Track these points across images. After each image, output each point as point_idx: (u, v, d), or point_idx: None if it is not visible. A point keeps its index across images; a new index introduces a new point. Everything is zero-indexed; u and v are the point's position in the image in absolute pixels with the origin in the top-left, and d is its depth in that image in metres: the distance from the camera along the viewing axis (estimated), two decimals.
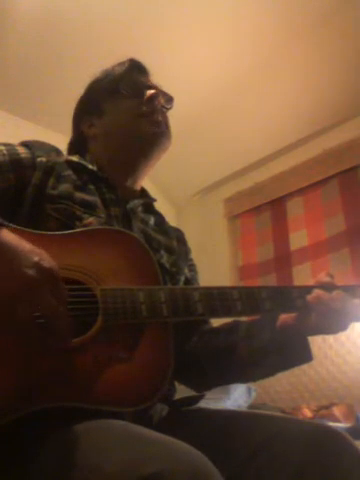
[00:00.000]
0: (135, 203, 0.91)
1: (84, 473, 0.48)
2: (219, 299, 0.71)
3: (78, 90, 1.01)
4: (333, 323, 0.75)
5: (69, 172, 0.85)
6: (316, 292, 0.75)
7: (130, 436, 0.52)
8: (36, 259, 0.55)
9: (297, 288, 0.77)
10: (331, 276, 0.80)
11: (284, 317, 0.79)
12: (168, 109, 0.97)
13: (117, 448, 0.50)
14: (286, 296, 0.75)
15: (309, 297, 0.75)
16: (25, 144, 0.84)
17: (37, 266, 0.55)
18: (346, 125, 2.64)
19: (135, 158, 0.93)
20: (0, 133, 2.52)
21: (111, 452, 0.49)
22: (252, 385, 2.43)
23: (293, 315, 0.78)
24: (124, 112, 0.92)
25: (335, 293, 0.75)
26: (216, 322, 0.93)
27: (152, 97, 0.92)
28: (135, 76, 0.95)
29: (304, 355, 0.80)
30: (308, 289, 0.76)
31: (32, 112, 2.68)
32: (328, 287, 0.76)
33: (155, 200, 1.01)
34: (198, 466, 0.47)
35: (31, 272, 0.54)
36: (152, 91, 0.93)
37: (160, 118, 0.93)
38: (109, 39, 2.12)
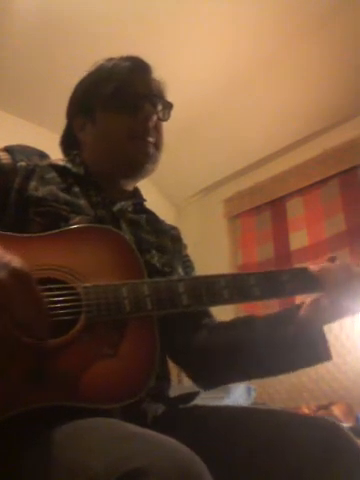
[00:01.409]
0: (123, 205, 0.89)
1: (72, 472, 0.48)
2: (205, 288, 0.70)
3: None
4: (350, 295, 0.70)
5: (53, 175, 0.84)
6: (318, 264, 0.72)
7: (118, 433, 0.52)
8: (5, 261, 0.55)
9: (287, 271, 0.74)
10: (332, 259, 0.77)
11: (301, 310, 0.76)
12: (165, 120, 0.94)
13: (104, 446, 0.49)
14: (275, 281, 0.73)
15: (313, 268, 0.71)
16: (6, 149, 0.84)
17: (6, 268, 0.55)
18: (346, 125, 2.64)
19: (121, 175, 0.92)
20: None
21: (98, 450, 0.49)
22: (252, 385, 2.43)
23: (307, 306, 0.75)
24: (116, 130, 0.88)
25: (338, 262, 0.72)
26: (224, 317, 0.91)
27: (147, 118, 0.88)
28: (134, 84, 0.90)
29: (324, 353, 0.77)
30: (298, 272, 0.74)
31: (31, 112, 2.68)
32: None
33: (145, 200, 0.99)
34: (184, 462, 0.47)
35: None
36: (148, 110, 0.89)
37: (152, 140, 0.90)
38: (109, 39, 2.12)
